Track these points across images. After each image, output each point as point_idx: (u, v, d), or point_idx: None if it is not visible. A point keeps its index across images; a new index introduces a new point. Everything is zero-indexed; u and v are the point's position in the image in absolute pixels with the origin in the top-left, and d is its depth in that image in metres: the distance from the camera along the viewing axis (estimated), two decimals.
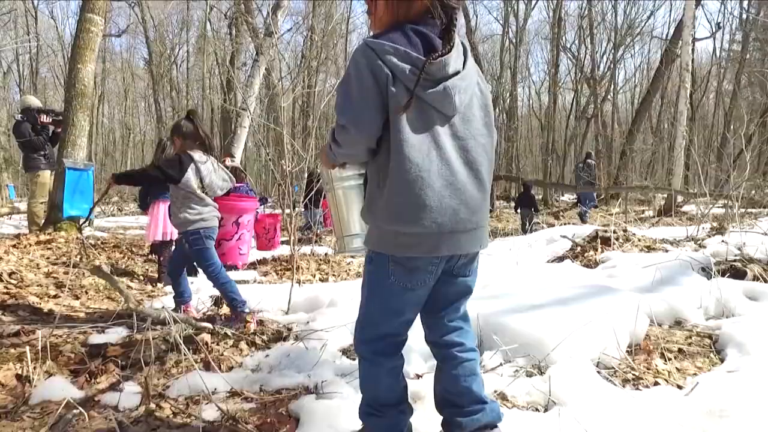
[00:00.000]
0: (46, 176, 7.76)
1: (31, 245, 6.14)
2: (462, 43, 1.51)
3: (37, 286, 4.19)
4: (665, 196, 13.35)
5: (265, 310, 4.03)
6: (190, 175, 3.46)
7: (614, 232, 5.46)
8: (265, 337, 3.33)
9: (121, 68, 29.91)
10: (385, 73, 1.39)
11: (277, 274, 6.34)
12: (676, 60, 17.02)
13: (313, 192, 6.28)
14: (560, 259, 5.33)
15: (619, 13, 23.80)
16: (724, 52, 24.50)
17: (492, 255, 6.01)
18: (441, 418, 1.73)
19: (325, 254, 7.09)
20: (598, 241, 5.29)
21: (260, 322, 3.61)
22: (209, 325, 3.22)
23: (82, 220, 6.77)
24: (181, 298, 3.82)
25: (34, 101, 8.51)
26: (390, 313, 1.61)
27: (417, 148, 1.41)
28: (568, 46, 25.98)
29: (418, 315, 1.71)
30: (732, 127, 19.92)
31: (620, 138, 22.90)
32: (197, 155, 3.52)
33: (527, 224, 10.40)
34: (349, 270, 6.34)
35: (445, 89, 1.43)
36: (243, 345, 3.20)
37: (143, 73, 29.09)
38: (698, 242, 6.26)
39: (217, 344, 3.16)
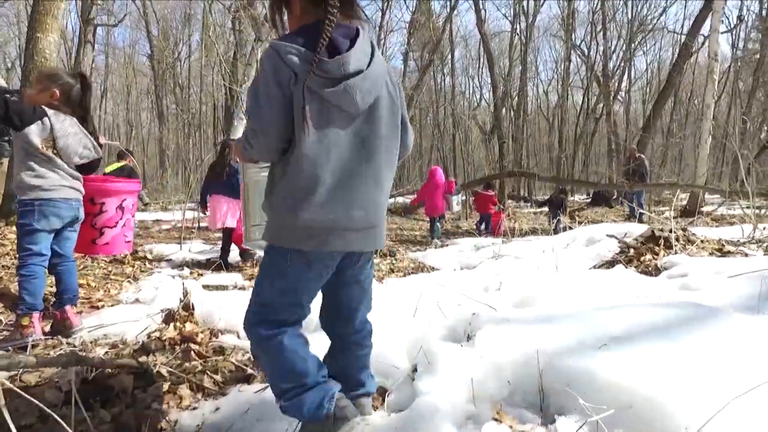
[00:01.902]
0: None
1: None
2: (371, 43, 1.53)
3: None
4: (688, 195, 12.16)
5: (229, 329, 2.92)
6: (34, 128, 2.61)
7: (671, 231, 4.33)
8: (219, 377, 2.21)
9: (124, 63, 28.93)
10: (287, 74, 1.40)
11: None
12: (693, 55, 15.78)
13: None
14: (609, 264, 4.20)
15: (630, 10, 22.61)
16: (738, 51, 23.25)
17: (521, 258, 4.88)
18: None
19: None
20: (658, 242, 4.15)
21: (214, 351, 2.50)
22: (132, 361, 2.10)
23: None
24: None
25: None
26: (288, 299, 1.57)
27: (316, 146, 1.42)
28: (578, 43, 24.81)
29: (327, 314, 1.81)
30: (749, 126, 18.69)
31: (633, 136, 21.71)
32: (57, 114, 2.72)
33: (556, 224, 9.49)
34: None
35: (345, 88, 1.42)
36: (183, 390, 2.09)
37: (147, 69, 28.09)
38: (761, 244, 5.14)
39: (144, 391, 2.05)
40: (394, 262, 6.01)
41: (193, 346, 2.49)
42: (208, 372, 2.22)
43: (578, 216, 13.33)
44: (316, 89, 1.40)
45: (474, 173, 22.03)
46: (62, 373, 2.03)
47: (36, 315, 2.70)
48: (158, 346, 2.48)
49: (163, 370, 2.14)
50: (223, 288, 4.63)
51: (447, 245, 8.16)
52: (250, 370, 2.29)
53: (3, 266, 4.39)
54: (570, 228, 8.28)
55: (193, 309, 3.05)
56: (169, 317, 2.96)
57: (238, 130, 12.19)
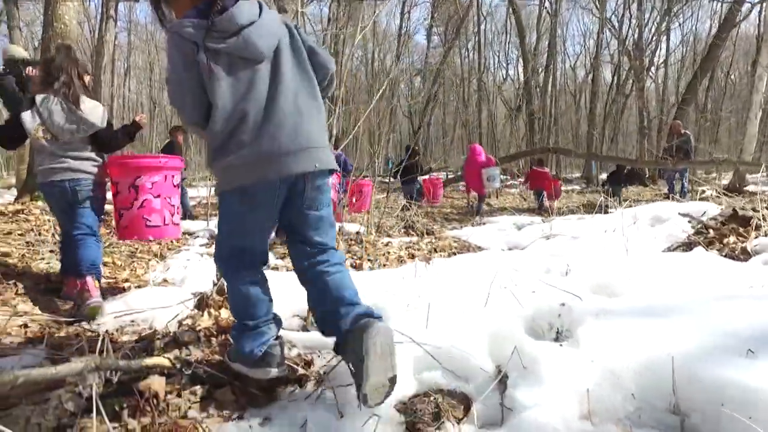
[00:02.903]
0: None
1: None
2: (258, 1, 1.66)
3: None
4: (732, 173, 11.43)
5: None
6: (25, 116, 2.67)
7: (754, 210, 3.81)
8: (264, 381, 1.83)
9: (146, 40, 28.58)
10: (189, 46, 1.54)
11: None
12: (738, 25, 14.78)
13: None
14: (686, 246, 3.71)
15: None
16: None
17: (579, 238, 4.41)
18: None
19: (357, 233, 5.57)
20: (742, 222, 3.64)
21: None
22: (164, 360, 1.72)
23: None
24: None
25: (19, 51, 7.08)
26: (241, 233, 1.72)
27: (230, 95, 1.56)
28: (608, 16, 23.58)
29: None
30: None
31: (667, 111, 20.70)
32: (47, 97, 2.71)
33: (616, 200, 9.32)
34: (389, 253, 4.82)
35: (244, 37, 1.56)
36: (225, 395, 1.72)
37: None
38: None
39: (178, 395, 1.68)
40: (433, 240, 5.58)
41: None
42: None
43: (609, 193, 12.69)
44: (218, 47, 1.54)
45: (500, 151, 21.30)
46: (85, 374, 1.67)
47: (83, 279, 2.73)
48: (192, 338, 2.10)
49: (200, 371, 1.76)
50: None
51: (484, 223, 7.69)
52: (301, 370, 1.90)
53: (27, 243, 4.08)
54: (607, 208, 7.75)
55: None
56: (202, 302, 2.59)
57: None
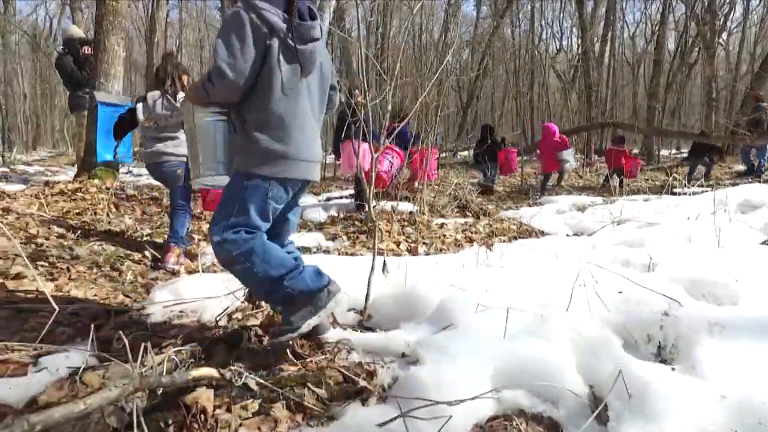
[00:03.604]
0: None
1: (52, 195, 4.78)
2: (319, 23, 1.86)
3: (1, 257, 2.74)
4: None
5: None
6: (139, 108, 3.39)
7: None
8: (323, 391, 1.62)
9: (196, 17, 28.78)
10: (263, 31, 1.68)
11: (348, 238, 4.66)
12: None
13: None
14: None
15: None
16: None
17: (658, 225, 3.97)
18: None
19: (410, 213, 5.30)
20: None
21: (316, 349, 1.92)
22: (212, 372, 1.53)
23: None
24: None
25: (77, 31, 7.11)
26: (261, 219, 1.82)
27: (285, 93, 1.76)
28: None
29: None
30: None
31: (739, 80, 19.09)
32: (153, 92, 3.44)
33: (696, 176, 8.94)
34: (444, 236, 4.54)
35: (312, 49, 1.80)
36: (279, 411, 1.52)
37: (218, 23, 27.81)
38: None
39: (228, 410, 1.48)
40: (491, 222, 5.24)
41: None
42: (309, 384, 1.62)
43: (676, 173, 11.82)
44: (291, 47, 1.72)
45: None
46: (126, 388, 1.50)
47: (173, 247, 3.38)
48: (242, 339, 1.92)
49: (252, 382, 1.56)
50: (307, 251, 4.09)
51: (540, 203, 7.26)
52: (362, 382, 1.67)
53: (83, 222, 4.04)
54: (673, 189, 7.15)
55: None
56: (252, 297, 2.41)
57: None
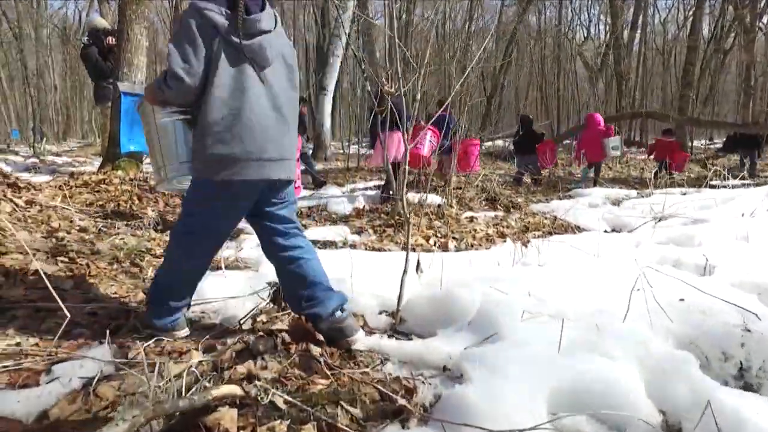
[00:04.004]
0: None
1: (77, 186, 4.71)
2: (274, 12, 1.84)
3: (19, 253, 2.64)
4: None
5: (353, 312, 2.16)
6: None
7: None
8: (357, 411, 1.45)
9: None
10: (209, 30, 1.65)
11: (375, 231, 4.48)
12: None
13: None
14: None
15: None
16: None
17: (707, 222, 3.69)
18: None
19: (439, 206, 5.10)
20: None
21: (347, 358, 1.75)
22: (236, 389, 1.37)
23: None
24: None
25: (101, 22, 7.05)
26: (214, 228, 1.84)
27: (233, 91, 1.69)
28: None
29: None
30: None
31: None
32: None
33: (750, 168, 8.50)
34: (475, 231, 4.32)
35: (260, 42, 1.72)
36: None
37: None
38: None
39: (254, 431, 1.32)
40: (522, 217, 5.00)
41: (314, 350, 1.74)
42: (343, 402, 1.45)
43: (714, 164, 11.32)
44: (235, 43, 1.68)
45: (582, 115, 19.73)
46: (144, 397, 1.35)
47: None
48: (267, 346, 1.76)
49: (279, 400, 1.39)
50: (332, 245, 3.93)
51: (571, 196, 6.96)
52: (401, 400, 1.49)
53: (105, 215, 3.95)
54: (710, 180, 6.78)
55: None
56: (278, 294, 2.25)
57: (335, 68, 11.37)
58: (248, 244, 3.66)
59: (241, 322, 2.10)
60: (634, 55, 21.42)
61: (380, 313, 2.35)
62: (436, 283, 2.50)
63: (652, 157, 10.21)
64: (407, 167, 2.49)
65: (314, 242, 3.98)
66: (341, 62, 12.32)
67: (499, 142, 16.22)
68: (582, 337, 1.69)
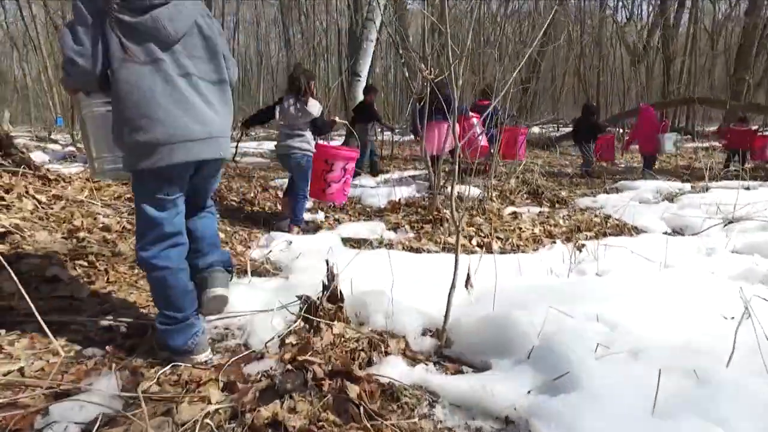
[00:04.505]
0: None
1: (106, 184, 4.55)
2: None
3: (37, 256, 2.45)
4: None
5: (393, 331, 1.88)
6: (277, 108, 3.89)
7: None
8: None
9: None
10: (94, 8, 1.49)
11: (412, 228, 4.18)
12: None
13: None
14: None
15: None
16: None
17: None
18: None
19: (479, 201, 4.75)
20: None
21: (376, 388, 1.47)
22: None
23: None
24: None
25: None
26: (159, 217, 1.67)
27: (137, 73, 1.53)
28: None
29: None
30: None
31: None
32: (287, 97, 3.87)
33: None
34: (520, 229, 3.97)
35: (152, 17, 1.53)
36: None
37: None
38: None
39: None
40: (570, 213, 4.60)
41: (351, 389, 1.46)
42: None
43: None
44: (125, 20, 1.50)
45: (626, 102, 18.77)
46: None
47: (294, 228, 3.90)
48: (296, 384, 1.50)
49: None
50: (367, 245, 3.65)
51: (618, 188, 6.49)
52: None
53: (132, 209, 3.78)
54: None
55: (342, 299, 2.05)
56: (310, 311, 1.98)
57: (368, 53, 11.01)
58: (278, 245, 3.41)
59: (268, 345, 1.85)
60: (682, 37, 20.21)
61: (424, 333, 2.06)
62: (486, 296, 2.20)
63: (721, 146, 9.52)
64: (459, 160, 2.18)
65: (347, 240, 3.72)
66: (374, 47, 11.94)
67: (535, 130, 15.59)
68: (678, 388, 1.36)
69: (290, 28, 26.27)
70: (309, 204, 5.04)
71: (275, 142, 4.19)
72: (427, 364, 1.81)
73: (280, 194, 5.68)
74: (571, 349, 1.62)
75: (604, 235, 3.76)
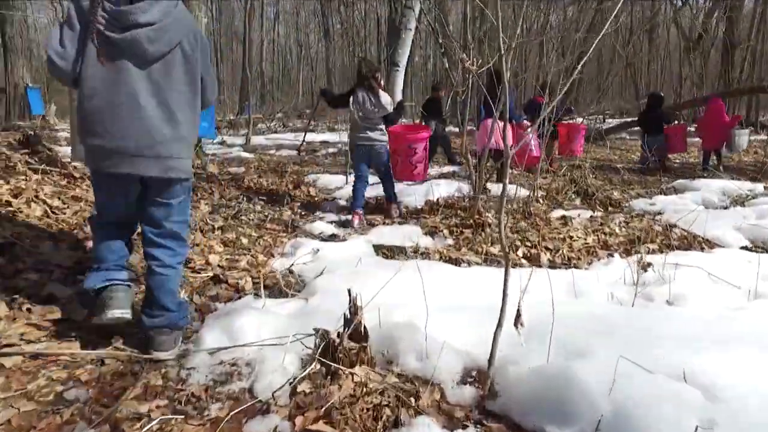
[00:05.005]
0: None
1: None
2: (162, 3, 1.66)
3: (36, 271, 2.21)
4: None
5: (423, 376, 1.55)
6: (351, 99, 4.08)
7: None
8: None
9: None
10: (82, 17, 1.61)
11: (451, 233, 3.80)
12: None
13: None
14: None
15: None
16: None
17: None
18: None
19: (525, 203, 4.31)
20: None
21: None
22: None
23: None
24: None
25: None
26: (101, 208, 1.87)
27: (104, 82, 1.63)
28: None
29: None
30: None
31: None
32: (360, 89, 4.05)
33: None
34: (571, 238, 3.53)
35: (132, 36, 1.60)
36: None
37: None
38: None
39: None
40: (627, 220, 4.10)
41: None
42: None
43: None
44: (106, 34, 1.59)
45: (683, 92, 17.60)
46: None
47: (357, 212, 4.09)
48: None
49: None
50: (401, 252, 3.30)
51: (674, 189, 5.88)
52: None
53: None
54: None
55: (366, 337, 1.71)
56: (327, 352, 1.65)
57: (407, 42, 10.60)
58: (303, 251, 3.11)
59: (276, 395, 1.53)
60: (745, 18, 18.73)
61: (464, 380, 1.70)
62: (538, 329, 1.81)
63: None
64: (508, 169, 1.80)
65: (380, 248, 3.38)
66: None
67: (579, 121, 14.74)
68: None
69: (329, 18, 26.00)
70: (342, 203, 4.75)
71: (348, 134, 4.46)
72: (466, 427, 1.46)
73: (313, 191, 5.42)
74: (654, 427, 1.23)
75: (669, 247, 3.27)
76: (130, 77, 1.63)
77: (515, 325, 1.77)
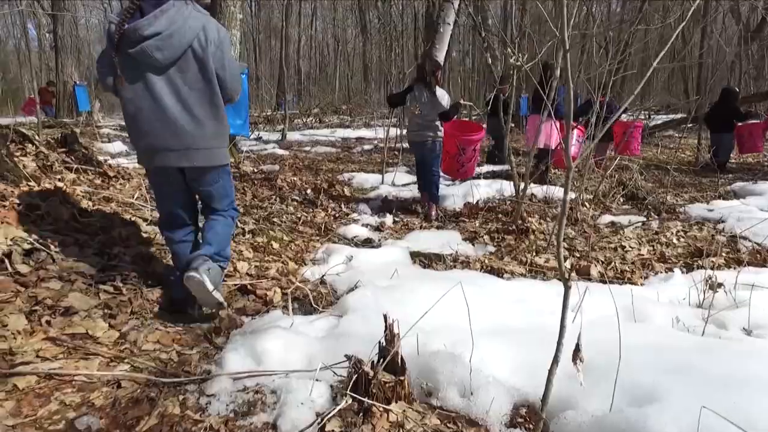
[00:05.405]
0: None
1: None
2: (185, 11, 1.88)
3: (62, 276, 2.11)
4: None
5: (469, 417, 1.34)
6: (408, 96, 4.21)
7: None
8: None
9: None
10: (113, 38, 1.83)
11: (492, 239, 3.57)
12: None
13: None
14: None
15: None
16: None
17: None
18: None
19: (571, 207, 4.01)
20: None
21: None
22: None
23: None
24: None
25: None
26: (161, 206, 2.16)
27: (132, 90, 1.89)
28: None
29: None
30: None
31: None
32: (418, 86, 4.14)
33: None
34: (624, 250, 3.23)
35: (141, 48, 1.82)
36: None
37: None
38: None
39: None
40: (685, 229, 3.75)
41: None
42: None
43: None
44: (124, 50, 1.83)
45: (737, 85, 16.55)
46: None
47: (430, 203, 4.26)
48: None
49: None
50: (439, 260, 3.09)
51: (732, 192, 5.42)
52: None
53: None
54: None
55: (404, 370, 1.51)
56: (359, 385, 1.47)
57: (445, 37, 10.29)
58: (336, 258, 2.95)
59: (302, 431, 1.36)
60: None
61: (512, 422, 1.49)
62: (597, 362, 1.57)
63: None
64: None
65: (417, 255, 3.18)
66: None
67: (623, 118, 14.05)
68: None
69: (367, 13, 25.81)
70: (376, 203, 4.56)
71: (406, 131, 4.58)
72: None
73: (348, 191, 5.25)
74: None
75: (739, 263, 2.93)
76: (152, 84, 1.87)
77: (573, 361, 1.53)
